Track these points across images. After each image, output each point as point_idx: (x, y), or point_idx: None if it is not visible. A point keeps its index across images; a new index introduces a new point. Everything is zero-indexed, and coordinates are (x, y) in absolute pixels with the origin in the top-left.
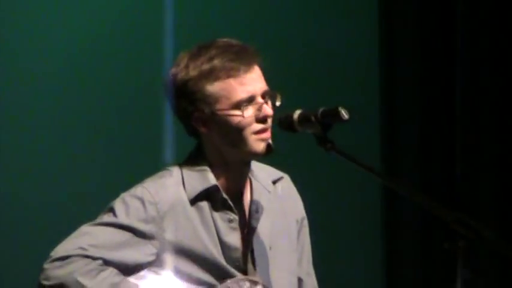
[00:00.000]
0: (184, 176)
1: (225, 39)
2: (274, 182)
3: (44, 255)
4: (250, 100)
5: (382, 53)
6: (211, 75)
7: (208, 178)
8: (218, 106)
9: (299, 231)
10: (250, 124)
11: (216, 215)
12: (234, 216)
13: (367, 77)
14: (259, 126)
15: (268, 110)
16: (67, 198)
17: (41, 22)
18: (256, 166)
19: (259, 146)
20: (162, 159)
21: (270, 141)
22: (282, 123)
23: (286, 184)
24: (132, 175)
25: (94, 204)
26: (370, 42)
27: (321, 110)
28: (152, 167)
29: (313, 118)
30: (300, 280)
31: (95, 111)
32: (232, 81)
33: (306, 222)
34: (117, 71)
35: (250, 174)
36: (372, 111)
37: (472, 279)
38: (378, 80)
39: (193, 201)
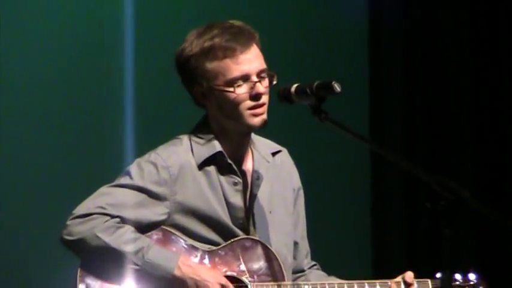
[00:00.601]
0: (192, 143)
1: (230, 21)
2: (273, 154)
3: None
4: (245, 79)
5: (370, 36)
6: (210, 53)
7: (214, 145)
8: (215, 82)
9: (295, 200)
10: (243, 100)
11: (222, 178)
12: (239, 180)
13: (357, 58)
14: (252, 103)
15: (260, 88)
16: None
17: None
18: (257, 139)
19: (253, 120)
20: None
21: (264, 116)
22: (280, 95)
23: (285, 156)
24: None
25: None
26: (359, 25)
27: (316, 83)
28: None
29: (308, 90)
30: (295, 243)
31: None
32: (228, 61)
33: (301, 192)
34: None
35: (251, 146)
36: (361, 87)
37: (452, 234)
38: (367, 63)
39: (201, 166)
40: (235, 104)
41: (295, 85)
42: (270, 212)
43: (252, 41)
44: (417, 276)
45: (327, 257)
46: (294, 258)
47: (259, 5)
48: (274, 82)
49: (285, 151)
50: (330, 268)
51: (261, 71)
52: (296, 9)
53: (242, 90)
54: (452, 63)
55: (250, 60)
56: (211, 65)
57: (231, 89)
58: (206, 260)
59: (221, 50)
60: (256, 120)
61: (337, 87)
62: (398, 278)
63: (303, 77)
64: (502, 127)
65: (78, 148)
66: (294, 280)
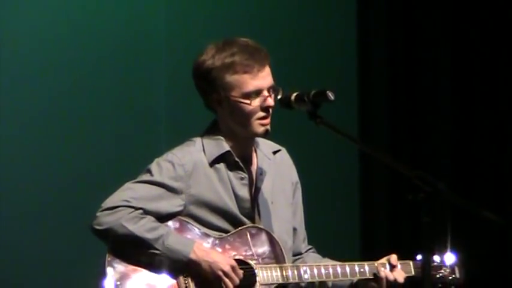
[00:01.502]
0: (204, 144)
1: (244, 39)
2: (274, 153)
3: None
4: (258, 93)
5: (359, 50)
6: (231, 68)
7: (223, 145)
8: (232, 93)
9: (294, 192)
10: (256, 112)
11: (231, 174)
12: (245, 175)
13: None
14: (262, 114)
15: (270, 101)
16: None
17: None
18: (260, 140)
19: (260, 129)
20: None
21: (268, 127)
22: (282, 102)
23: (284, 154)
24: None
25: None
26: (349, 35)
27: (312, 92)
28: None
29: (306, 98)
30: (294, 229)
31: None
32: (247, 76)
33: (299, 185)
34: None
35: (255, 146)
36: (350, 97)
37: (431, 223)
38: (355, 71)
39: (212, 163)
40: (248, 114)
41: (295, 94)
42: (272, 202)
43: (266, 61)
44: (400, 258)
45: (321, 242)
46: (293, 242)
47: (253, 16)
48: (279, 96)
49: (284, 150)
50: (324, 252)
51: (271, 87)
52: (289, 20)
53: (256, 103)
54: (432, 69)
55: (265, 77)
56: (230, 78)
57: (248, 101)
58: (217, 246)
59: (241, 66)
60: (262, 130)
61: (331, 96)
62: (384, 260)
63: (297, 85)
64: (479, 126)
65: (112, 150)
66: (293, 262)
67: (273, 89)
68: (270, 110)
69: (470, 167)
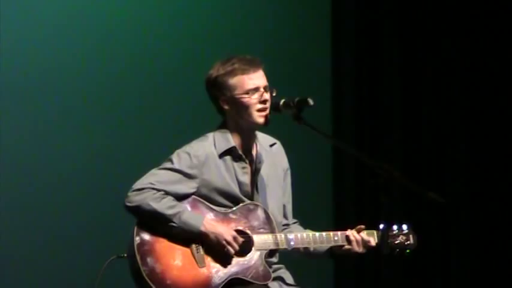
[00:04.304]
0: (215, 139)
1: (243, 55)
2: (271, 145)
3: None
4: (255, 90)
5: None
6: (232, 73)
7: (230, 141)
8: (236, 92)
9: (285, 177)
10: (255, 104)
11: (235, 164)
12: (246, 165)
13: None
14: (261, 106)
15: (266, 96)
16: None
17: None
18: (260, 135)
19: (260, 119)
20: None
21: (267, 112)
22: (272, 107)
23: (278, 147)
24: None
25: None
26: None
27: (296, 98)
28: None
29: (291, 103)
30: (284, 206)
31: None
32: (245, 77)
33: (289, 172)
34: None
35: (256, 140)
36: (325, 101)
37: (388, 201)
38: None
39: (221, 156)
40: (249, 106)
41: (282, 100)
42: (268, 185)
43: (260, 66)
44: (366, 229)
45: (301, 218)
46: (283, 216)
47: (236, 27)
48: (274, 94)
49: (279, 143)
50: (304, 226)
51: (266, 86)
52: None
53: (254, 97)
54: (387, 78)
55: (259, 77)
56: (232, 81)
57: (248, 96)
58: (222, 219)
59: (239, 70)
60: (262, 120)
61: (311, 101)
62: (354, 229)
63: (279, 90)
64: (426, 125)
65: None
66: (281, 231)
67: (268, 88)
68: (267, 104)
69: (418, 157)
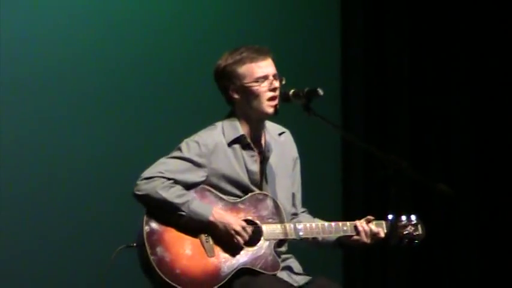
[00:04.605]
0: (224, 128)
1: (250, 45)
2: (279, 134)
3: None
4: (265, 78)
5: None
6: (241, 61)
7: (238, 129)
8: (245, 80)
9: (294, 166)
10: (264, 92)
11: (244, 152)
12: (255, 154)
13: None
14: (270, 94)
15: (276, 84)
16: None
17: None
18: (269, 124)
19: (270, 109)
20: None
21: (277, 106)
22: (282, 97)
23: (287, 136)
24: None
25: None
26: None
27: (306, 89)
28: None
29: (301, 94)
30: (293, 195)
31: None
32: (254, 65)
33: (298, 161)
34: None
35: (264, 129)
36: (335, 92)
37: (397, 192)
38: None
39: (229, 144)
40: (259, 95)
41: (292, 90)
42: (276, 174)
43: (268, 55)
44: (375, 219)
45: (311, 208)
46: (292, 205)
47: (243, 28)
48: (283, 82)
49: (287, 132)
50: (313, 215)
51: (275, 74)
52: (279, 21)
53: (264, 85)
54: (395, 71)
55: (268, 65)
56: (241, 69)
57: (257, 84)
58: (231, 208)
59: (248, 58)
60: (272, 109)
61: (321, 91)
62: (363, 220)
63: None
64: (433, 118)
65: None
66: (290, 220)
67: (277, 76)
68: (277, 92)
69: (427, 149)
